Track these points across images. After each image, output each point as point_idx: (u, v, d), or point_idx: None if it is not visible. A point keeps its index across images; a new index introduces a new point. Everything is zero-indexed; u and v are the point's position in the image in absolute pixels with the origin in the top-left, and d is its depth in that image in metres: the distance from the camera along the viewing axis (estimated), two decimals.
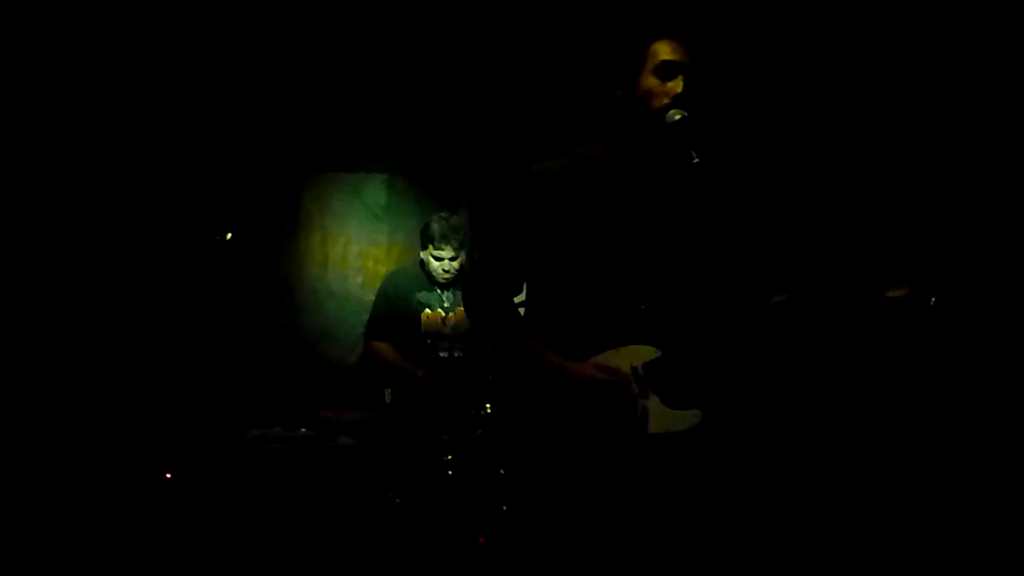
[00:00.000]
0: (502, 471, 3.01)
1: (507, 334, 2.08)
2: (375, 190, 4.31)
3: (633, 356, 1.98)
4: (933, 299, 2.40)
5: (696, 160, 1.90)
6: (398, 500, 2.96)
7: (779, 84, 3.28)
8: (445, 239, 3.68)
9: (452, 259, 3.71)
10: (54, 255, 3.06)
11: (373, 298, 3.92)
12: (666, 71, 1.96)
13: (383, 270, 4.21)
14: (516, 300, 2.17)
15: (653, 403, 1.96)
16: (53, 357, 2.95)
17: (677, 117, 1.91)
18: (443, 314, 3.78)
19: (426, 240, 3.76)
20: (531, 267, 2.09)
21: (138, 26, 3.57)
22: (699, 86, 1.96)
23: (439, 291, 3.81)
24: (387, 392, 3.23)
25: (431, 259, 3.74)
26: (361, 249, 4.26)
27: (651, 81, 1.97)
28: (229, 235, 3.35)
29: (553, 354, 1.98)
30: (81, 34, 3.41)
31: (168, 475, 3.07)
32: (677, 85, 1.94)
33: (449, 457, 3.12)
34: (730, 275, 2.03)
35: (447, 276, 3.74)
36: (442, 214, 3.79)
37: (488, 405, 3.14)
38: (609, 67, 2.07)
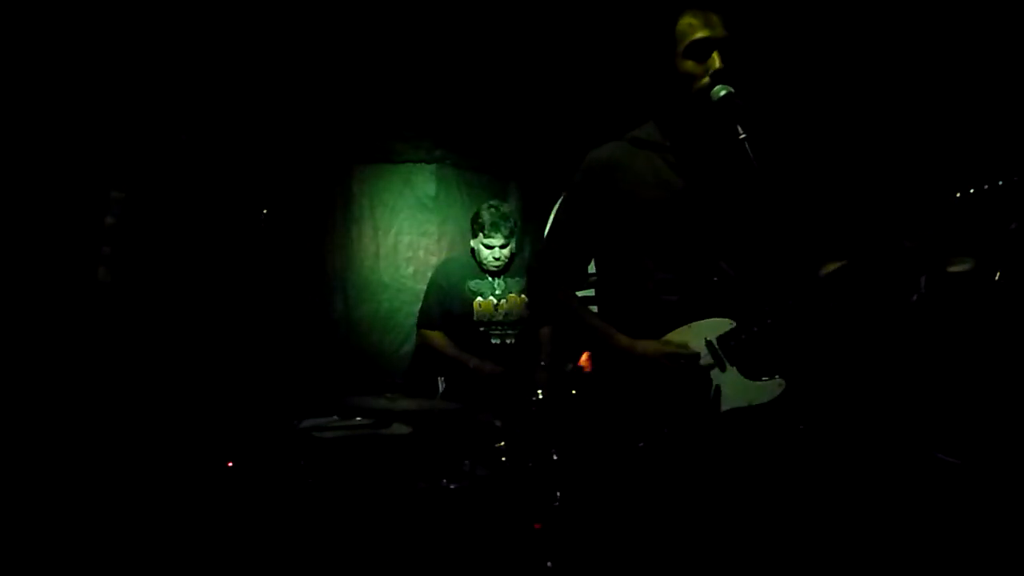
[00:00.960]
0: (555, 457, 3.00)
1: (571, 319, 2.09)
2: (424, 181, 4.33)
3: (707, 330, 1.96)
4: (998, 275, 2.30)
5: (743, 136, 1.86)
6: (452, 487, 2.97)
7: (826, 47, 3.18)
8: (495, 227, 3.69)
9: (502, 247, 3.72)
10: (114, 249, 3.16)
11: (424, 288, 3.96)
12: (699, 51, 1.91)
13: (434, 260, 4.24)
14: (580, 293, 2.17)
15: (731, 375, 1.93)
16: (113, 349, 3.04)
17: (723, 93, 1.87)
18: (495, 301, 3.79)
19: (476, 229, 3.78)
20: (597, 252, 2.08)
21: (196, 24, 3.65)
22: (738, 54, 1.91)
23: (490, 279, 3.82)
24: (440, 380, 3.24)
25: (482, 247, 3.76)
26: (412, 240, 4.29)
27: (687, 64, 1.93)
28: (264, 211, 3.39)
29: (621, 335, 1.98)
30: (140, 32, 3.50)
31: (230, 464, 3.15)
32: (714, 62, 1.90)
33: (502, 444, 3.13)
34: (793, 243, 1.97)
35: (498, 264, 3.75)
36: (491, 202, 3.80)
37: (540, 391, 3.13)
38: (644, 54, 2.04)
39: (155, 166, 3.33)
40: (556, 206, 3.54)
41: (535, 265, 2.21)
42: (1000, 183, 1.72)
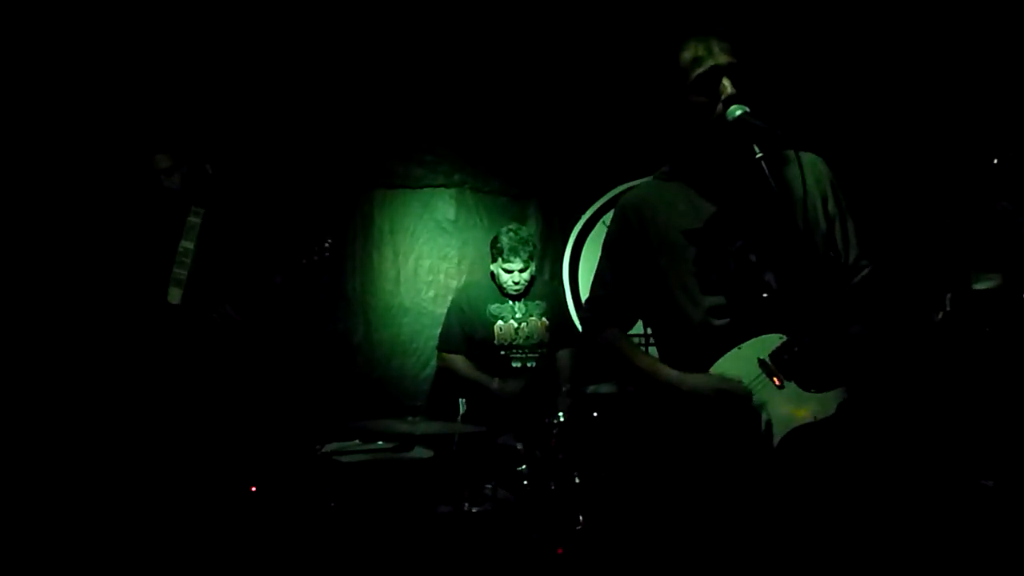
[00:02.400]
0: (578, 480, 2.98)
1: (621, 360, 2.10)
2: (443, 205, 4.36)
3: (756, 349, 1.92)
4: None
5: (759, 155, 1.85)
6: (474, 511, 2.95)
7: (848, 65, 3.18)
8: (514, 251, 3.70)
9: (521, 271, 3.73)
10: (143, 270, 3.22)
11: (445, 311, 3.97)
12: (707, 83, 1.90)
13: (454, 284, 4.25)
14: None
15: (790, 391, 1.88)
16: (140, 371, 3.08)
17: (738, 113, 1.86)
18: (516, 325, 3.79)
19: (495, 253, 3.79)
20: (643, 290, 2.08)
21: (220, 56, 3.73)
22: (745, 74, 1.90)
23: (511, 302, 3.82)
24: (461, 403, 3.24)
25: (501, 272, 3.76)
26: (432, 264, 4.31)
27: (698, 99, 1.92)
28: (328, 241, 3.46)
29: (669, 368, 1.98)
30: (165, 60, 3.58)
31: (252, 488, 3.16)
32: (725, 89, 1.89)
33: (524, 467, 3.11)
34: (821, 257, 1.94)
35: (517, 288, 3.76)
36: (510, 227, 3.81)
37: (561, 414, 3.11)
38: (655, 87, 2.04)
39: (182, 197, 3.38)
40: (570, 243, 3.51)
41: (586, 314, 2.23)
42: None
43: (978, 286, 2.36)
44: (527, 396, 3.58)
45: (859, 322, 1.89)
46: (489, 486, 3.08)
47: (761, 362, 1.91)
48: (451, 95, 4.23)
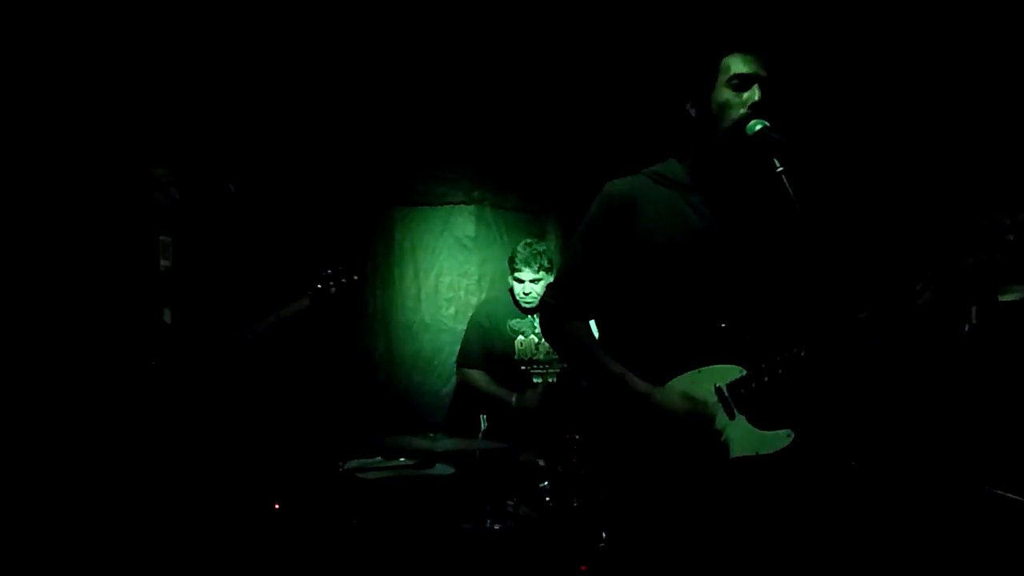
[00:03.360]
0: (601, 497, 2.96)
1: (584, 357, 2.05)
2: (464, 222, 4.38)
3: (716, 376, 1.93)
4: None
5: (780, 169, 1.85)
6: (496, 528, 2.95)
7: (861, 88, 3.17)
8: (526, 262, 3.72)
9: (533, 281, 3.73)
10: (169, 294, 3.24)
11: (465, 328, 3.98)
12: (740, 83, 1.93)
13: (474, 300, 4.27)
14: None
15: (739, 424, 1.90)
16: (157, 388, 3.09)
17: (758, 127, 1.87)
18: (536, 340, 3.79)
19: (511, 266, 3.81)
20: (607, 284, 2.04)
21: (240, 73, 3.78)
22: (776, 93, 1.92)
23: (531, 318, 3.83)
24: (482, 419, 3.24)
25: (515, 283, 3.78)
26: (452, 280, 4.32)
27: (726, 94, 1.94)
28: (356, 277, 3.50)
29: (639, 380, 1.94)
30: (180, 72, 3.62)
31: (276, 505, 3.17)
32: (753, 94, 1.91)
33: (546, 484, 3.10)
34: (818, 288, 1.95)
35: (529, 300, 3.76)
36: (527, 240, 3.83)
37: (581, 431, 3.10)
38: (681, 84, 2.05)
39: (205, 215, 3.42)
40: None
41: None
42: None
43: (1005, 298, 2.34)
44: (546, 410, 3.57)
45: (830, 364, 1.88)
46: (511, 503, 3.08)
47: (718, 389, 1.91)
48: (470, 112, 4.25)
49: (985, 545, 2.33)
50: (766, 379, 1.88)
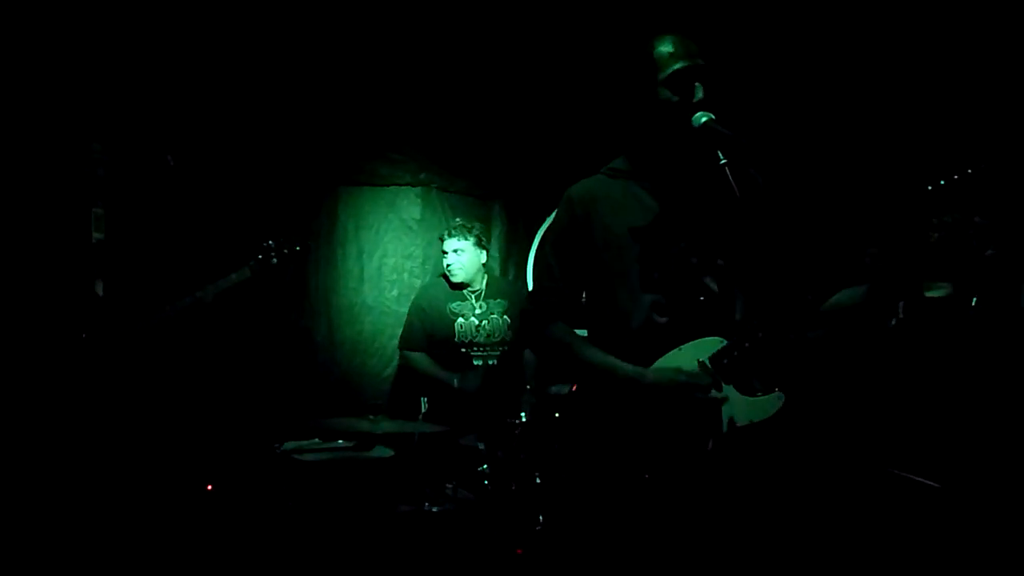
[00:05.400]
0: (539, 480, 2.99)
1: (569, 354, 2.06)
2: (409, 204, 4.34)
3: (698, 350, 1.94)
4: (975, 300, 2.34)
5: (724, 162, 1.88)
6: (435, 510, 2.95)
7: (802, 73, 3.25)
8: (449, 233, 3.77)
9: (455, 252, 3.75)
10: (102, 266, 3.15)
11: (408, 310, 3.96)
12: (679, 82, 1.92)
13: (418, 283, 4.24)
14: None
15: (730, 395, 1.91)
16: (95, 368, 3.00)
17: (704, 120, 1.88)
18: (476, 322, 3.80)
19: (440, 242, 3.83)
20: (581, 285, 2.08)
21: (183, 43, 3.66)
22: (715, 79, 1.92)
23: (473, 300, 3.83)
24: (423, 402, 3.23)
25: (442, 257, 3.80)
26: (396, 262, 4.29)
27: (666, 94, 1.93)
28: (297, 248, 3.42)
29: (626, 364, 1.95)
30: (126, 50, 3.50)
31: (209, 487, 3.12)
32: (695, 93, 1.91)
33: (485, 467, 3.12)
34: (776, 261, 1.98)
35: (451, 271, 3.77)
36: (458, 219, 3.85)
37: (523, 414, 3.12)
38: (621, 80, 2.04)
39: (141, 185, 3.32)
40: (535, 244, 3.55)
41: (526, 307, 2.18)
42: (967, 172, 1.75)
43: (930, 294, 2.43)
44: (486, 393, 3.59)
45: (814, 327, 1.93)
46: (450, 486, 3.09)
47: (701, 364, 1.93)
48: (419, 94, 4.21)
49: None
50: (747, 345, 1.90)
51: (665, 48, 1.94)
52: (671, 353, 1.95)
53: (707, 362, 1.93)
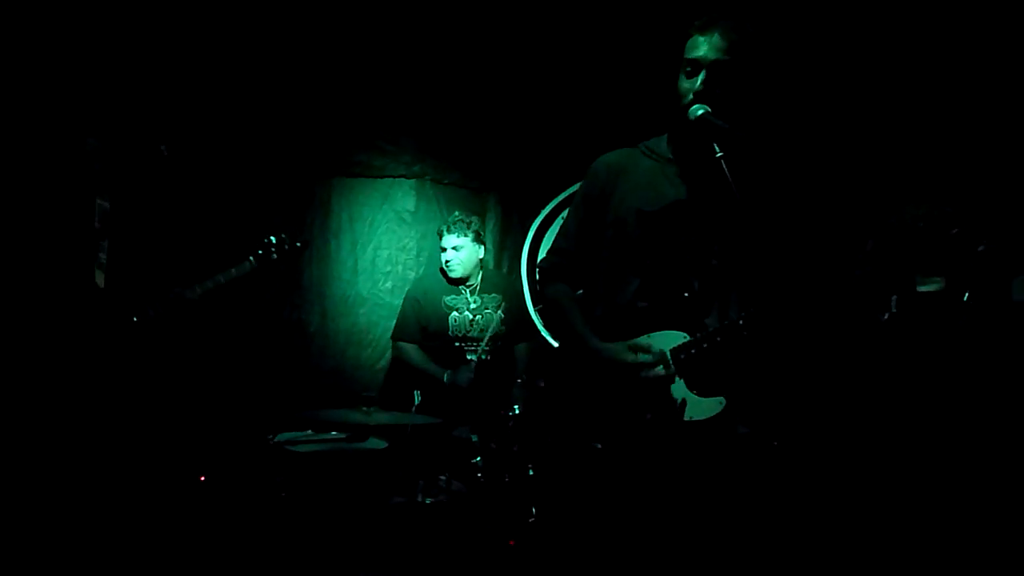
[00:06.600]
0: (532, 472, 3.00)
1: (561, 318, 2.18)
2: (404, 196, 4.33)
3: (664, 341, 2.01)
4: (966, 295, 2.35)
5: (719, 155, 1.89)
6: (428, 502, 2.96)
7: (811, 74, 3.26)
8: (448, 228, 3.76)
9: (455, 248, 3.75)
10: (95, 259, 3.13)
11: (401, 302, 3.96)
12: (691, 70, 1.97)
13: (412, 275, 4.24)
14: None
15: (678, 388, 1.98)
16: (91, 360, 3.00)
17: (699, 113, 1.92)
18: (470, 316, 3.80)
19: (439, 236, 3.83)
20: (591, 251, 2.15)
21: (178, 37, 3.64)
22: (735, 77, 1.94)
23: (468, 294, 3.83)
24: (416, 393, 3.23)
25: (441, 253, 3.79)
26: (390, 254, 4.28)
27: (681, 80, 2.00)
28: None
29: (594, 338, 2.06)
30: (121, 46, 3.48)
31: (202, 478, 3.11)
32: (695, 83, 1.95)
33: (478, 459, 3.12)
34: (760, 263, 2.02)
35: (450, 267, 3.77)
36: (457, 213, 3.83)
37: (517, 407, 3.13)
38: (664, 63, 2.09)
39: (137, 177, 3.30)
40: (530, 235, 3.53)
41: (544, 264, 2.29)
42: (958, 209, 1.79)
43: (923, 288, 2.44)
44: (478, 387, 3.59)
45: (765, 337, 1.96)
46: (443, 477, 3.09)
47: (662, 352, 2.01)
48: (414, 85, 4.20)
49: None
50: (705, 346, 1.96)
51: (693, 37, 1.98)
52: (642, 338, 2.03)
53: (667, 354, 2.00)
